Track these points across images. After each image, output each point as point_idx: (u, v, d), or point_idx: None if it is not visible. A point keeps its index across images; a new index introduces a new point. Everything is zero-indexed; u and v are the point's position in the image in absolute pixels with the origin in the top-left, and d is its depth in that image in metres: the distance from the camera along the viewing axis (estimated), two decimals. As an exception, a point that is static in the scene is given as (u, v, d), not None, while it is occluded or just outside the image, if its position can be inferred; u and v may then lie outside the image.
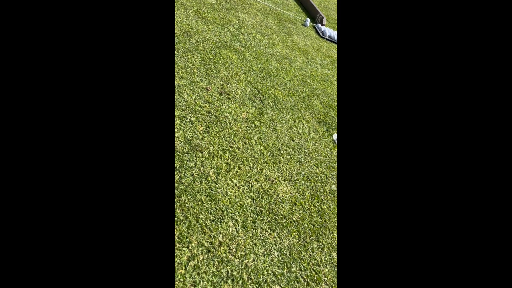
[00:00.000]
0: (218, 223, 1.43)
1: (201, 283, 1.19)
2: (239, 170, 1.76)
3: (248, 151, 1.93)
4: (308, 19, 4.69)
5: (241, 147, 1.93)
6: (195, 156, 1.70)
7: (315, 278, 1.42)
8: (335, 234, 1.70)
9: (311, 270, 1.45)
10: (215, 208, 1.49)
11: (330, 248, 1.61)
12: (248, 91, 2.47)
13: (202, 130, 1.90)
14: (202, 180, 1.59)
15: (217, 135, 1.92)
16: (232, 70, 2.61)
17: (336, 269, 1.51)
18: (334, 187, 2.02)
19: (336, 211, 1.85)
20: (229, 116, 2.11)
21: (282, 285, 1.33)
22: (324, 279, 1.44)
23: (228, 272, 1.27)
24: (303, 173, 1.99)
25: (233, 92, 2.36)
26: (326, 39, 4.67)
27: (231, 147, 1.89)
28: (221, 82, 2.40)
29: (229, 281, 1.24)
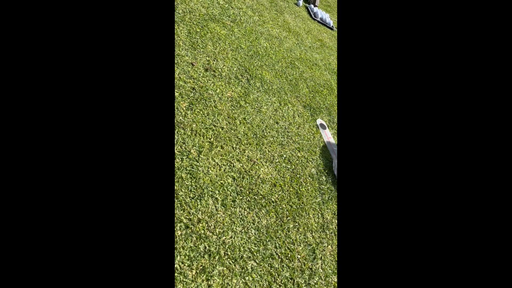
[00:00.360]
0: (198, 200, 1.45)
1: (178, 257, 1.22)
2: (221, 150, 1.75)
3: (232, 131, 1.92)
4: (301, -1, 4.55)
5: (224, 126, 1.91)
6: (177, 133, 1.67)
7: (289, 256, 1.50)
8: (311, 215, 1.78)
9: (286, 248, 1.52)
10: (196, 186, 1.50)
11: (305, 228, 1.68)
12: (235, 69, 2.41)
13: (185, 107, 1.85)
14: (183, 157, 1.58)
15: (201, 112, 1.88)
16: (220, 46, 2.52)
17: (309, 248, 1.59)
18: (314, 170, 2.08)
19: (314, 194, 1.92)
20: (214, 94, 2.07)
21: (257, 261, 1.39)
22: (297, 257, 1.52)
23: (205, 247, 1.30)
24: (284, 155, 2.02)
25: (220, 69, 2.30)
26: (318, 21, 4.58)
27: (214, 126, 1.87)
28: (207, 58, 2.31)
29: (206, 256, 1.28)
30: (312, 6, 4.74)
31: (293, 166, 1.99)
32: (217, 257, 1.30)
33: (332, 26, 4.68)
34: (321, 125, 2.56)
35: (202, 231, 1.35)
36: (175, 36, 2.29)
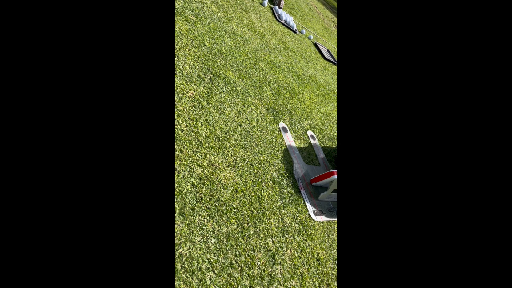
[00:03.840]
0: (153, 210, 1.34)
1: (129, 275, 1.12)
2: (180, 154, 1.66)
3: (193, 133, 1.83)
4: (267, -1, 4.56)
5: (184, 128, 1.81)
6: (131, 135, 1.53)
7: (249, 263, 1.48)
8: (272, 220, 1.78)
9: (246, 255, 1.50)
10: (151, 194, 1.39)
11: (266, 233, 1.68)
12: (197, 67, 2.31)
13: (141, 106, 1.71)
14: (138, 162, 1.45)
15: (159, 113, 1.76)
16: (181, 41, 2.39)
17: (269, 254, 1.60)
18: (275, 174, 2.09)
19: (275, 198, 1.93)
20: (174, 94, 1.95)
21: (216, 272, 1.34)
22: (257, 264, 1.51)
23: (160, 261, 1.22)
24: (247, 159, 2.00)
25: (181, 67, 2.17)
26: (282, 23, 4.63)
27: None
28: (167, 54, 2.17)
29: (161, 271, 1.19)
30: (277, 7, 4.78)
31: (255, 170, 1.98)
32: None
33: (296, 30, 4.78)
34: (283, 128, 2.59)
35: (157, 244, 1.25)
36: (131, 27, 2.10)
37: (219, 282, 1.31)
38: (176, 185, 1.50)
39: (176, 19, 2.55)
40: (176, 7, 2.70)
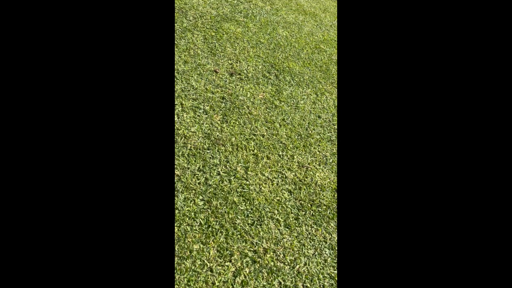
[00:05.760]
0: (258, 226, 1.25)
1: (253, 301, 1.03)
2: (268, 161, 1.55)
3: (274, 136, 1.70)
4: (309, -24, 4.21)
5: (265, 133, 1.70)
6: (218, 151, 1.49)
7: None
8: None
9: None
10: (251, 209, 1.30)
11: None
12: (260, 67, 2.19)
13: (219, 120, 1.66)
14: (231, 178, 1.39)
15: (237, 123, 1.69)
16: (239, 45, 2.31)
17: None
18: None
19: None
20: (246, 99, 1.87)
21: (341, 288, 1.16)
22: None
23: (280, 283, 1.11)
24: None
25: (245, 71, 2.09)
26: (332, -4, 4.21)
27: (254, 135, 1.67)
28: (229, 61, 2.12)
29: (284, 294, 1.08)
30: (321, -18, 4.37)
31: (350, 163, 1.74)
32: (296, 293, 1.09)
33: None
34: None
35: (272, 263, 1.15)
36: (192, 45, 2.12)
37: (348, 299, 1.13)
38: (273, 195, 1.39)
39: (228, 25, 2.50)
40: (225, 14, 2.66)
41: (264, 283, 1.09)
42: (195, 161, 1.40)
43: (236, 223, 1.23)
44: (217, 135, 1.57)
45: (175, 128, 1.52)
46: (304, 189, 1.47)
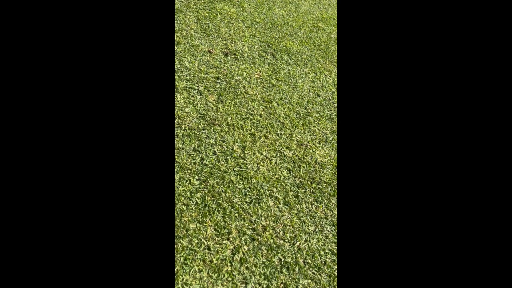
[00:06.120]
0: (256, 204, 1.22)
1: (253, 278, 1.01)
2: (266, 140, 1.50)
3: (271, 116, 1.65)
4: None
5: (262, 112, 1.65)
6: (213, 131, 1.45)
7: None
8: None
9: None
10: (249, 187, 1.27)
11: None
12: (256, 47, 2.12)
13: (214, 100, 1.61)
14: (227, 157, 1.35)
15: (233, 103, 1.64)
16: (233, 25, 2.23)
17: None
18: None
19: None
20: (242, 79, 1.81)
21: (344, 264, 1.13)
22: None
23: (280, 259, 1.08)
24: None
25: (240, 51, 2.02)
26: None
27: (251, 114, 1.62)
28: (224, 42, 2.05)
29: (284, 270, 1.05)
30: (319, -40, 4.21)
31: (351, 141, 1.69)
32: (297, 269, 1.07)
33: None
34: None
35: (271, 240, 1.12)
36: (185, 26, 2.04)
37: (351, 275, 1.11)
38: (271, 173, 1.35)
39: (222, 5, 2.42)
40: (219, -6, 2.56)
41: (264, 260, 1.06)
42: (190, 141, 1.36)
43: (233, 201, 1.20)
44: (212, 115, 1.52)
45: (169, 109, 1.48)
46: (304, 167, 1.43)
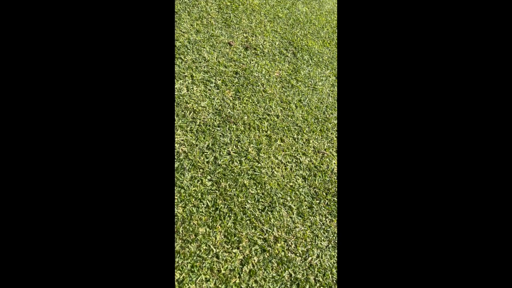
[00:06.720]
0: (269, 212, 1.16)
1: (261, 292, 0.95)
2: (282, 144, 1.43)
3: (289, 118, 1.58)
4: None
5: (279, 114, 1.57)
6: (229, 129, 1.37)
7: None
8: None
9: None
10: (262, 193, 1.20)
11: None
12: (277, 43, 2.03)
13: (231, 96, 1.54)
14: (242, 159, 1.29)
15: (250, 100, 1.56)
16: (255, 18, 2.14)
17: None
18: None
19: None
20: (261, 76, 1.72)
21: (355, 284, 1.08)
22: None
23: (290, 275, 1.02)
24: (355, 140, 1.65)
25: (261, 46, 1.93)
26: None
27: (268, 114, 1.54)
28: (244, 34, 1.95)
29: (294, 287, 1.00)
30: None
31: (368, 153, 1.62)
32: (307, 287, 1.01)
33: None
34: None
35: (283, 253, 1.06)
36: (205, 14, 1.95)
37: (362, 297, 1.05)
38: (286, 180, 1.28)
39: (244, -5, 2.31)
40: (242, -17, 2.45)
41: (274, 274, 1.00)
42: (204, 138, 1.29)
43: (245, 207, 1.14)
44: (229, 112, 1.45)
45: (185, 101, 1.40)
46: (320, 176, 1.36)
